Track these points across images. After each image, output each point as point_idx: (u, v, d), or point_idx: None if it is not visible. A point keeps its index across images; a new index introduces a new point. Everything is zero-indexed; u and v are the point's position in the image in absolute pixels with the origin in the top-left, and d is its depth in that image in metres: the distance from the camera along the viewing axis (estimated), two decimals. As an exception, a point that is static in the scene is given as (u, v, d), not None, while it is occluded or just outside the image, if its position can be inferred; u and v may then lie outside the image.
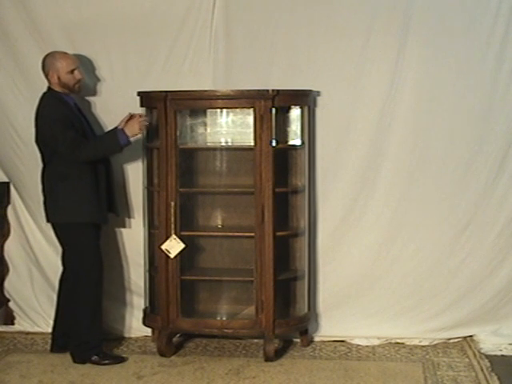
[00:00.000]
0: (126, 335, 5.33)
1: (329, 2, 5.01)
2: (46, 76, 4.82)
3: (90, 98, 5.16)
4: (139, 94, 4.99)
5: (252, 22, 5.07)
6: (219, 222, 5.21)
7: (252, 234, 4.88)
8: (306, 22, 5.02)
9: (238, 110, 5.07)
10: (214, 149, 5.15)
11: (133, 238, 5.28)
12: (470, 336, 5.19)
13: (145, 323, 5.18)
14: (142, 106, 4.96)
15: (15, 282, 5.52)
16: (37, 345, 5.23)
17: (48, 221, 4.90)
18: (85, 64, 5.04)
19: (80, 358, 4.84)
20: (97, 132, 5.01)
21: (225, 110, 5.14)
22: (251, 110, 4.84)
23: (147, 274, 5.17)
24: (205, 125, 5.19)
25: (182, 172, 4.94)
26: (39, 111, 4.78)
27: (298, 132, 5.08)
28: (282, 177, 5.01)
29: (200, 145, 5.19)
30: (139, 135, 4.93)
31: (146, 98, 4.95)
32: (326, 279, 5.24)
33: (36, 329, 5.45)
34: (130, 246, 5.30)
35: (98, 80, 5.14)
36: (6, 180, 5.43)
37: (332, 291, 5.22)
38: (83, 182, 4.78)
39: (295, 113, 5.09)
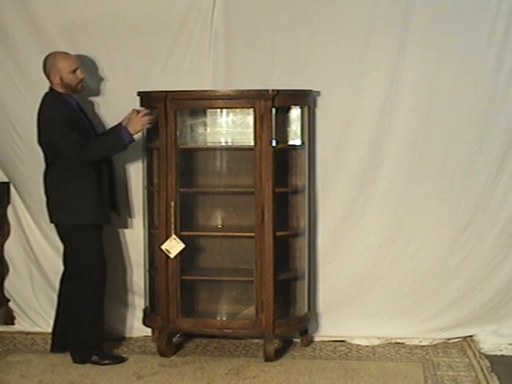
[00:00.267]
0: (126, 335, 5.33)
1: (329, 2, 5.02)
2: (48, 77, 4.82)
3: (90, 98, 5.16)
4: (139, 93, 4.99)
5: (252, 22, 5.08)
6: (219, 222, 5.21)
7: (252, 234, 4.88)
8: (305, 22, 5.03)
9: (237, 110, 5.07)
10: (214, 149, 5.15)
11: (133, 238, 5.28)
12: (470, 336, 5.19)
13: (145, 323, 5.18)
14: (142, 105, 4.95)
15: (15, 282, 5.52)
16: (37, 345, 5.23)
17: (51, 222, 4.89)
18: (85, 64, 5.03)
19: (80, 358, 4.84)
20: (99, 132, 5.01)
21: (225, 110, 5.14)
22: (251, 110, 4.84)
23: (147, 274, 5.17)
24: (205, 125, 5.19)
25: (182, 172, 4.94)
26: (41, 112, 4.78)
27: (298, 132, 5.08)
28: (282, 177, 5.00)
29: (200, 145, 5.19)
30: (144, 130, 4.92)
31: (146, 98, 4.95)
32: (325, 279, 5.24)
33: (36, 329, 5.45)
34: (130, 246, 5.30)
35: (98, 80, 5.14)
36: (6, 180, 5.43)
37: (332, 291, 5.23)
38: (86, 182, 4.78)
39: (295, 113, 5.09)
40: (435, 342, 5.17)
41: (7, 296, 5.54)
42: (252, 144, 4.83)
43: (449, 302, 5.16)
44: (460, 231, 5.10)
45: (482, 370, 4.71)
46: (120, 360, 4.88)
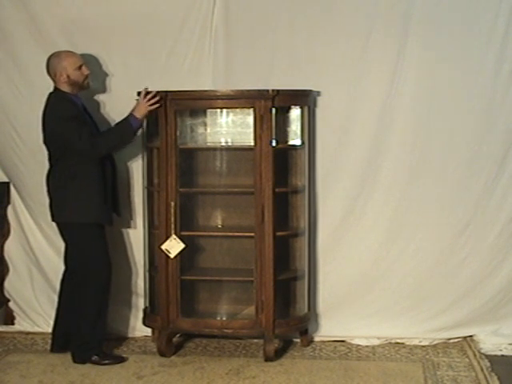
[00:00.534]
0: (126, 335, 5.33)
1: (329, 3, 5.01)
2: (54, 77, 4.81)
3: (90, 98, 5.16)
4: (139, 93, 4.99)
5: (252, 22, 5.08)
6: (219, 222, 5.21)
7: (252, 234, 4.88)
8: (306, 22, 5.03)
9: (237, 110, 5.07)
10: (214, 149, 5.15)
11: (133, 237, 5.28)
12: (470, 336, 5.19)
13: (145, 323, 5.18)
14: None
15: (15, 282, 5.52)
16: (37, 345, 5.23)
17: (54, 220, 4.88)
18: (85, 64, 5.04)
19: (80, 358, 4.84)
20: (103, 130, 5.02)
21: (225, 110, 5.14)
22: (251, 110, 4.84)
23: (147, 274, 5.17)
24: (205, 125, 5.19)
25: (182, 172, 4.94)
26: (48, 111, 4.77)
27: (298, 132, 5.08)
28: (282, 177, 5.01)
29: (200, 145, 5.19)
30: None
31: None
32: (325, 279, 5.24)
33: (36, 329, 5.45)
34: (130, 246, 5.30)
35: (99, 80, 5.14)
36: (6, 180, 5.43)
37: (332, 291, 5.22)
38: (91, 181, 4.78)
39: (295, 113, 5.09)
40: (435, 342, 5.17)
41: (7, 296, 5.54)
42: (252, 144, 4.83)
43: (449, 302, 5.16)
44: (460, 231, 5.10)
45: (482, 370, 4.71)
46: (120, 360, 4.88)
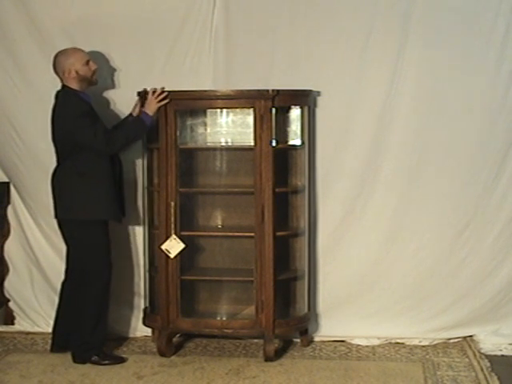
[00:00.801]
0: (126, 335, 5.32)
1: (329, 2, 5.02)
2: (62, 75, 4.79)
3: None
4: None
5: (252, 22, 5.08)
6: (219, 222, 5.21)
7: (252, 234, 4.88)
8: (305, 22, 5.02)
9: (237, 110, 5.07)
10: (214, 149, 5.15)
11: (133, 238, 5.28)
12: (470, 336, 5.19)
13: (145, 323, 5.18)
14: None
15: (15, 282, 5.52)
16: (37, 345, 5.23)
17: (60, 217, 4.84)
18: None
19: (80, 358, 4.84)
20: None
21: (225, 110, 5.14)
22: (251, 110, 4.84)
23: (147, 274, 5.17)
24: (205, 125, 5.19)
25: (181, 172, 4.94)
26: (59, 109, 4.76)
27: (298, 132, 5.08)
28: (281, 177, 5.01)
29: (200, 145, 5.19)
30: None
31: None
32: (325, 279, 5.24)
33: (36, 329, 5.45)
34: (130, 246, 5.29)
35: (99, 80, 5.13)
36: (6, 180, 5.43)
37: (332, 291, 5.22)
38: (100, 178, 4.77)
39: (295, 113, 5.09)
40: (435, 342, 5.17)
41: (7, 296, 5.54)
42: (252, 144, 4.83)
43: (449, 301, 5.16)
44: (460, 231, 5.10)
45: (482, 370, 4.71)
46: (120, 360, 4.88)
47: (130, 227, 5.26)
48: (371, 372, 4.72)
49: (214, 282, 5.20)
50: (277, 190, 4.86)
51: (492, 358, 4.88)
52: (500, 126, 4.98)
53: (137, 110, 4.95)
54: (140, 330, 5.30)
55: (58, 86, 4.85)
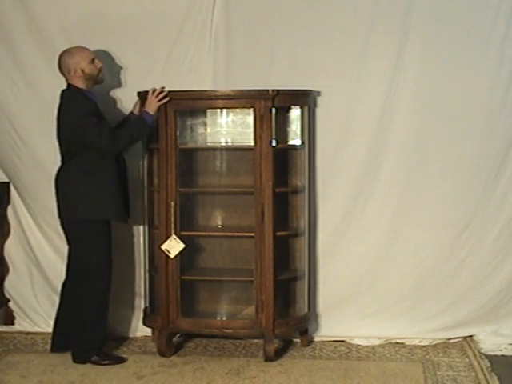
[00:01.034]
0: (126, 335, 5.32)
1: (329, 2, 5.02)
2: (67, 74, 4.77)
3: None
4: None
5: (252, 22, 5.08)
6: (219, 222, 5.21)
7: (252, 234, 4.88)
8: (305, 21, 5.03)
9: (238, 110, 5.07)
10: (214, 149, 5.15)
11: (134, 238, 5.28)
12: (470, 336, 5.19)
13: (145, 323, 5.18)
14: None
15: (15, 282, 5.52)
16: (37, 345, 5.23)
17: (64, 216, 4.81)
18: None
19: (80, 358, 4.84)
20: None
21: (225, 110, 5.14)
22: (251, 110, 4.84)
23: (147, 274, 5.17)
24: (205, 125, 5.19)
25: (181, 172, 4.94)
26: (64, 108, 4.74)
27: (298, 132, 5.08)
28: (281, 177, 5.01)
29: (200, 145, 5.19)
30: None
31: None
32: (325, 279, 5.24)
33: (36, 329, 5.45)
34: (130, 246, 5.29)
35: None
36: (6, 180, 5.43)
37: (332, 291, 5.22)
38: (106, 178, 4.76)
39: (295, 113, 5.09)
40: (435, 342, 5.17)
41: (7, 296, 5.54)
42: (252, 144, 4.83)
43: (449, 301, 5.16)
44: (460, 231, 5.10)
45: (482, 370, 4.71)
46: (120, 360, 4.88)
47: (130, 227, 5.26)
48: (371, 372, 4.72)
49: (214, 281, 5.20)
50: (277, 190, 4.86)
51: (492, 358, 4.88)
52: (500, 126, 4.98)
53: (137, 109, 4.95)
54: (140, 330, 5.30)
55: (59, 86, 4.84)
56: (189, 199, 5.13)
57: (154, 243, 5.05)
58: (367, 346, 5.15)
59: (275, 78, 5.05)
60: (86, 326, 4.81)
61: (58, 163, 4.88)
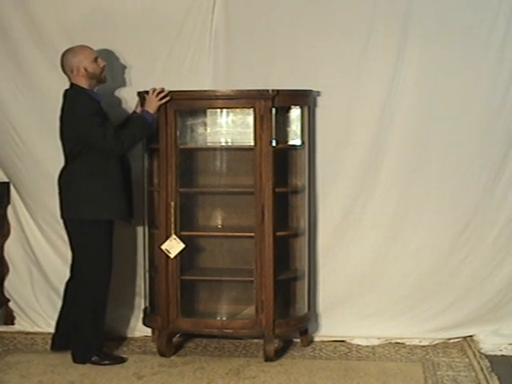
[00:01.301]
0: (126, 335, 5.32)
1: (329, 2, 5.02)
2: (70, 73, 4.76)
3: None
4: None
5: (252, 22, 5.08)
6: (219, 222, 5.21)
7: (252, 234, 4.88)
8: (306, 21, 5.03)
9: (238, 110, 5.07)
10: (214, 149, 5.15)
11: (133, 238, 5.28)
12: (470, 336, 5.19)
13: (145, 323, 5.18)
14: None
15: (15, 281, 5.52)
16: (37, 345, 5.23)
17: (68, 217, 4.80)
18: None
19: (80, 358, 4.84)
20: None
21: (225, 110, 5.14)
22: (251, 110, 4.84)
23: (147, 274, 5.17)
24: (205, 125, 5.19)
25: (181, 172, 4.94)
26: (68, 108, 4.72)
27: (298, 132, 5.08)
28: (281, 177, 5.01)
29: (200, 145, 5.19)
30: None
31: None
32: (325, 279, 5.24)
33: (36, 329, 5.45)
34: (130, 246, 5.29)
35: (100, 79, 5.14)
36: (6, 180, 5.43)
37: (332, 291, 5.22)
38: (110, 179, 4.75)
39: (295, 113, 5.09)
40: (435, 342, 5.17)
41: (7, 296, 5.54)
42: (252, 144, 4.83)
43: (449, 301, 5.16)
44: (460, 231, 5.10)
45: (482, 370, 4.71)
46: (120, 360, 4.87)
47: (130, 227, 5.25)
48: (371, 372, 4.72)
49: (214, 281, 5.20)
50: (277, 190, 4.86)
51: (492, 358, 4.88)
52: (500, 126, 4.98)
53: (138, 109, 4.95)
54: (140, 330, 5.30)
55: (59, 86, 4.85)
56: (189, 199, 5.13)
57: (154, 243, 5.05)
58: (367, 346, 5.15)
59: (275, 78, 5.05)
60: (85, 326, 4.81)
61: (58, 163, 4.88)
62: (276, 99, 4.79)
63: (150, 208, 5.10)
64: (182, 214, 4.92)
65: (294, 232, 5.10)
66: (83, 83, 4.76)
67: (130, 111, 5.04)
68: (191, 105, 4.93)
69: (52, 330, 5.08)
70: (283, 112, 5.04)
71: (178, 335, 5.20)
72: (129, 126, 4.83)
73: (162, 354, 4.95)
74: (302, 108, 5.04)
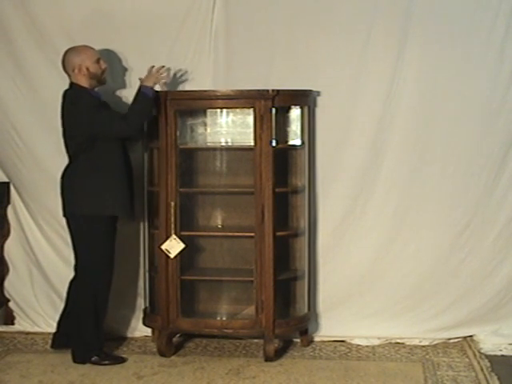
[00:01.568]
0: (126, 335, 5.32)
1: (329, 2, 5.02)
2: (72, 71, 4.77)
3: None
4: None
5: (252, 22, 5.08)
6: (219, 222, 5.21)
7: (252, 234, 4.88)
8: (306, 21, 5.03)
9: (238, 110, 5.07)
10: (214, 149, 5.15)
11: (134, 237, 5.27)
12: (470, 336, 5.19)
13: (145, 323, 5.18)
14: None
15: (15, 282, 5.52)
16: (37, 345, 5.23)
17: (70, 213, 4.79)
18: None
19: (80, 358, 4.83)
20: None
21: (225, 110, 5.13)
22: (251, 110, 4.84)
23: (147, 274, 5.17)
24: (205, 125, 5.19)
25: (181, 172, 4.94)
26: (69, 105, 4.72)
27: (298, 132, 5.08)
28: (281, 177, 5.01)
29: (200, 145, 5.19)
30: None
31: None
32: (325, 279, 5.24)
33: (36, 329, 5.45)
34: (130, 246, 5.29)
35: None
36: (6, 180, 5.43)
37: (332, 291, 5.22)
38: (113, 175, 4.75)
39: (295, 113, 5.09)
40: (435, 342, 5.17)
41: (7, 296, 5.54)
42: (252, 144, 4.83)
43: (449, 301, 5.16)
44: (460, 231, 5.10)
45: (482, 370, 4.71)
46: (120, 361, 4.87)
47: (130, 227, 5.25)
48: (371, 372, 4.72)
49: (214, 282, 5.20)
50: (277, 190, 4.86)
51: (492, 358, 4.88)
52: (500, 126, 4.99)
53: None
54: (140, 329, 5.30)
55: (59, 86, 4.85)
56: (189, 199, 5.13)
57: (154, 243, 5.05)
58: (367, 346, 5.15)
59: (275, 78, 5.05)
60: (85, 326, 4.81)
61: (59, 163, 4.89)
62: (276, 99, 4.79)
63: (150, 208, 5.10)
64: (181, 214, 4.92)
65: (293, 232, 5.10)
66: (84, 82, 4.77)
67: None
68: (191, 105, 4.93)
69: (52, 329, 5.09)
70: (283, 112, 5.04)
71: (178, 335, 5.20)
72: (132, 106, 4.80)
73: (162, 354, 4.95)
74: (302, 108, 5.04)
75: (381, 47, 4.98)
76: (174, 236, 4.89)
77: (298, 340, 5.18)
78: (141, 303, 5.28)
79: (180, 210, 4.91)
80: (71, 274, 4.93)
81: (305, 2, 5.04)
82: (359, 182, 5.11)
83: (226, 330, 4.93)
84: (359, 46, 5.00)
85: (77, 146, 4.74)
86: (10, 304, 5.54)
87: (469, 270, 5.13)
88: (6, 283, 5.54)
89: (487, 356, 4.92)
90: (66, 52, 4.81)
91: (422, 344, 5.15)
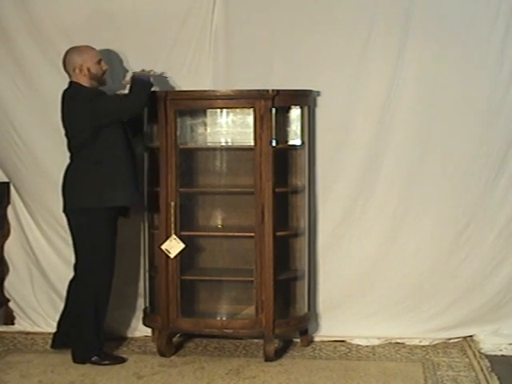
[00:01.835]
0: (126, 335, 5.32)
1: (329, 2, 5.02)
2: (73, 71, 4.77)
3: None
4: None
5: (252, 22, 5.08)
6: (219, 222, 5.21)
7: (252, 234, 4.88)
8: (306, 21, 5.03)
9: (238, 110, 5.07)
10: (214, 149, 5.16)
11: (133, 237, 5.27)
12: (470, 336, 5.19)
13: (145, 323, 5.18)
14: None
15: (15, 282, 5.52)
16: (37, 345, 5.23)
17: (70, 207, 4.77)
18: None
19: (80, 358, 4.83)
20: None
21: (225, 110, 5.14)
22: (251, 110, 4.84)
23: (147, 274, 5.17)
24: (205, 125, 5.19)
25: (181, 172, 4.94)
26: (70, 101, 4.73)
27: (298, 132, 5.08)
28: (281, 177, 5.01)
29: (200, 145, 5.19)
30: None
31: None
32: (326, 279, 5.24)
33: (36, 329, 5.45)
34: (130, 246, 5.28)
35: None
36: (6, 180, 5.43)
37: (332, 291, 5.22)
38: (116, 166, 4.74)
39: (295, 113, 5.09)
40: (435, 342, 5.17)
41: (7, 296, 5.54)
42: (252, 144, 4.83)
43: (449, 301, 5.16)
44: (460, 231, 5.10)
45: (482, 370, 4.71)
46: (120, 361, 4.87)
47: (131, 227, 5.25)
48: (371, 372, 4.72)
49: (214, 281, 5.20)
50: (277, 190, 4.86)
51: (492, 358, 4.88)
52: (500, 126, 4.99)
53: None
54: (140, 329, 5.30)
55: (59, 86, 4.84)
56: (189, 199, 5.13)
57: (154, 243, 5.05)
58: (367, 346, 5.15)
59: (275, 78, 5.05)
60: (85, 326, 4.81)
61: (59, 163, 4.89)
62: (276, 99, 4.79)
63: (150, 208, 5.09)
64: (181, 214, 4.92)
65: (293, 232, 5.10)
66: (84, 82, 4.77)
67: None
68: (191, 105, 4.93)
69: (52, 329, 5.09)
70: (283, 112, 5.04)
71: (178, 335, 5.20)
72: (131, 90, 4.80)
73: (162, 354, 4.95)
74: (302, 108, 5.04)
75: (381, 47, 4.98)
76: (174, 236, 4.89)
77: (298, 340, 5.18)
78: (141, 303, 5.28)
79: (180, 210, 4.91)
80: (71, 274, 4.93)
81: (305, 2, 5.04)
82: (359, 182, 5.11)
83: (226, 330, 4.93)
84: (359, 45, 5.00)
85: (79, 140, 4.73)
86: (10, 304, 5.54)
87: (469, 270, 5.13)
88: (6, 283, 5.54)
89: (487, 356, 4.92)
90: (68, 51, 4.82)
91: (422, 344, 5.15)
